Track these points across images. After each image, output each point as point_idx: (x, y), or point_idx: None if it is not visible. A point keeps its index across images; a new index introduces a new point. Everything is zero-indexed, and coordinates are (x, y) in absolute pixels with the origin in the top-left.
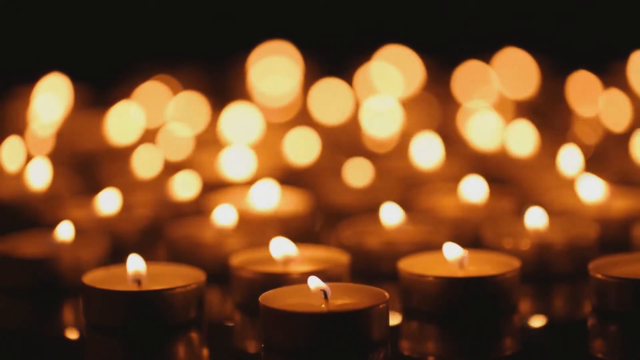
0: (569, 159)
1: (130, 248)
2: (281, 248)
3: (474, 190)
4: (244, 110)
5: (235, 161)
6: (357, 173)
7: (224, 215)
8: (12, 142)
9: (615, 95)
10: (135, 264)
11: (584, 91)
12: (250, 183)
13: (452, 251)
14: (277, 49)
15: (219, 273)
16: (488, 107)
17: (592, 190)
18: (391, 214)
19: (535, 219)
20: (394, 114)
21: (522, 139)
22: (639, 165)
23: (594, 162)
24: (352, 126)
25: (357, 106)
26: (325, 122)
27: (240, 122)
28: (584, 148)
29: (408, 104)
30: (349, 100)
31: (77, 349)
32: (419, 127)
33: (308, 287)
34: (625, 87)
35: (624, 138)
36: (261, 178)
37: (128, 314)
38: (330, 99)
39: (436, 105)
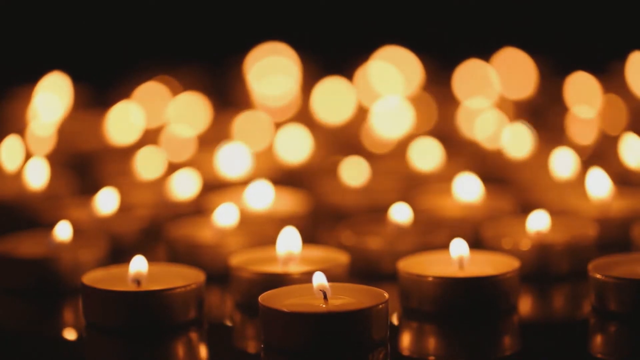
0: (568, 159)
1: (129, 248)
2: (288, 242)
3: (467, 188)
4: (246, 114)
5: (234, 161)
6: (357, 173)
7: (224, 215)
8: (12, 141)
9: (614, 95)
10: (138, 264)
11: (583, 92)
12: (249, 183)
13: (458, 248)
14: (275, 50)
15: (219, 273)
16: (488, 107)
17: (599, 186)
18: (400, 214)
19: (537, 221)
20: (394, 114)
21: (522, 139)
22: (637, 166)
23: (593, 162)
24: (352, 126)
25: (357, 106)
26: (324, 122)
27: (241, 122)
28: (582, 148)
29: (408, 104)
30: (348, 100)
31: (77, 349)
32: (419, 127)
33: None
34: (623, 87)
35: (623, 138)
36: (261, 178)
37: (128, 314)
38: (330, 99)
39: (436, 105)
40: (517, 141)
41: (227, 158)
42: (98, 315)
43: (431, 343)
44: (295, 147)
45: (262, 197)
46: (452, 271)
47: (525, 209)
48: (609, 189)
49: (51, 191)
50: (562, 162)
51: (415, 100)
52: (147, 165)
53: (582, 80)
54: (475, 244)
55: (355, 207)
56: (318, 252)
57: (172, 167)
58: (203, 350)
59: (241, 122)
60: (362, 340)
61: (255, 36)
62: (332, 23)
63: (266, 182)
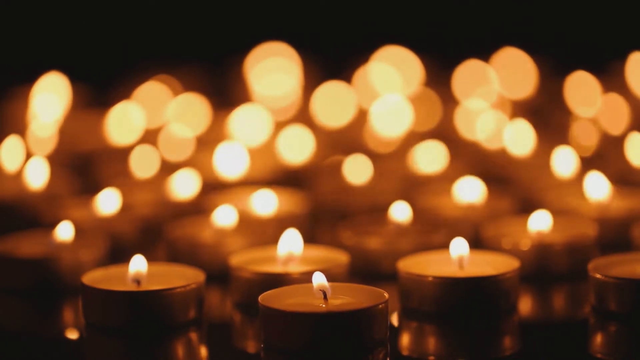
0: (568, 159)
1: (129, 248)
2: (289, 243)
3: (470, 190)
4: (244, 111)
5: (235, 161)
6: (357, 173)
7: (224, 216)
8: (12, 142)
9: (614, 95)
10: (137, 264)
11: (583, 91)
12: (249, 183)
13: (458, 248)
14: (276, 50)
15: (219, 273)
16: (487, 107)
17: (597, 188)
18: (400, 213)
19: (539, 222)
20: (394, 112)
21: (521, 139)
22: (638, 166)
23: (593, 162)
24: (353, 126)
25: (358, 107)
26: (325, 122)
27: (241, 123)
28: (582, 148)
29: (408, 103)
30: (349, 100)
31: (77, 349)
32: (420, 126)
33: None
34: (623, 87)
35: (623, 138)
36: (261, 178)
37: (128, 314)
38: (331, 100)
39: (435, 105)
40: (517, 141)
41: (227, 158)
42: (98, 315)
43: (431, 343)
44: (296, 147)
45: (266, 203)
46: (452, 271)
47: (525, 209)
48: (607, 192)
49: (51, 191)
50: (563, 162)
51: (415, 99)
52: (147, 165)
53: (582, 80)
54: (475, 244)
55: (355, 207)
56: (318, 252)
57: (172, 167)
58: (203, 350)
59: (241, 121)
60: (362, 340)
61: (255, 36)
62: (332, 23)
63: (269, 190)
